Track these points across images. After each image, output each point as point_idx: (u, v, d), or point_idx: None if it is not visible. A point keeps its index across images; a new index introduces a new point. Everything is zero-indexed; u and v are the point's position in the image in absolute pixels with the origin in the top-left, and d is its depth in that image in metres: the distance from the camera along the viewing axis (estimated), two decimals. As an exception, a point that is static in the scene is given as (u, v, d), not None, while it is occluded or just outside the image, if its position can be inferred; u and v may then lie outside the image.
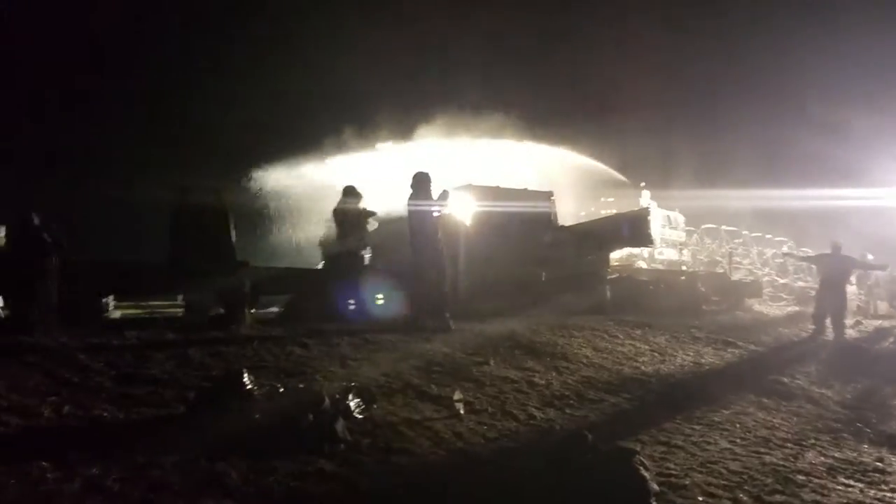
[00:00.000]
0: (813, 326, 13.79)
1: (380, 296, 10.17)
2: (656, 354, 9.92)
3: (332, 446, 4.67)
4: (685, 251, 25.41)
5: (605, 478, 4.48)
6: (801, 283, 22.67)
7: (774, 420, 7.22)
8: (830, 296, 13.58)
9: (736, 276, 20.76)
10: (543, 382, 7.33)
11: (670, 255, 24.83)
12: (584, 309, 12.24)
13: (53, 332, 6.23)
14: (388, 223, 11.56)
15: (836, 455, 6.21)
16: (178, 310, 9.87)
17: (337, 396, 5.52)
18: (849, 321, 14.55)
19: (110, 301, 9.68)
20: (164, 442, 4.27)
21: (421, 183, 9.28)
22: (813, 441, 6.58)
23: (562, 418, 6.28)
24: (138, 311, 10.03)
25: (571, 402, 6.87)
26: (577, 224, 17.09)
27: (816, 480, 5.37)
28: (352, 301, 9.83)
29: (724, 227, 23.80)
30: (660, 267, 22.65)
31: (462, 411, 5.90)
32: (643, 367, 8.93)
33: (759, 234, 23.97)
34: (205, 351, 6.50)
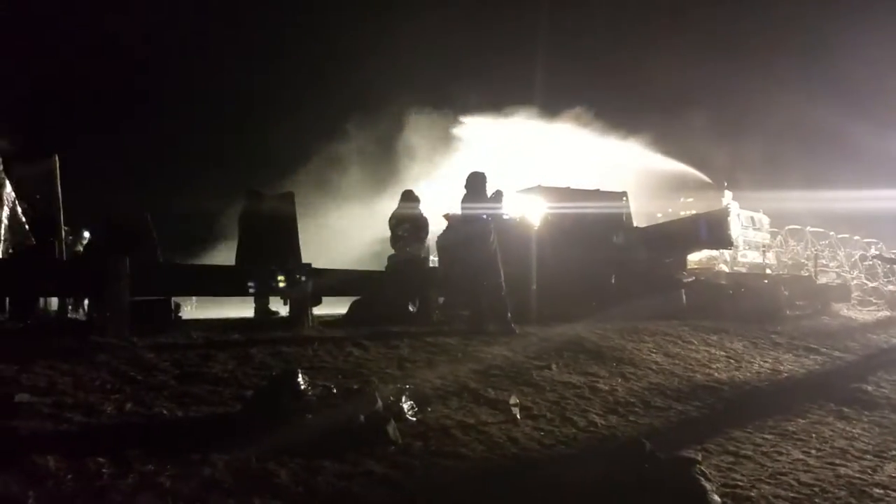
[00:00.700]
0: None
1: (440, 299, 10.18)
2: (732, 361, 9.55)
3: (383, 448, 4.66)
4: (769, 253, 24.48)
5: (662, 487, 4.31)
6: (891, 287, 21.45)
7: (854, 430, 6.81)
8: None
9: (822, 280, 19.80)
10: (607, 388, 7.14)
11: (753, 257, 23.98)
12: (658, 313, 11.91)
13: (124, 333, 6.47)
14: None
15: (921, 469, 5.80)
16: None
17: (391, 398, 5.53)
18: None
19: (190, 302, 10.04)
20: (218, 440, 4.33)
21: (475, 184, 9.16)
22: (895, 453, 6.16)
23: (624, 426, 6.09)
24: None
25: (636, 409, 6.67)
26: (651, 225, 16.68)
27: (895, 494, 5.02)
28: (413, 304, 9.86)
29: (809, 228, 22.75)
30: (742, 270, 21.90)
31: (518, 416, 5.79)
32: (716, 374, 8.60)
33: (847, 236, 22.80)
34: (266, 351, 6.63)
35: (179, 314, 8.74)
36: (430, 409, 5.57)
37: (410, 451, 4.72)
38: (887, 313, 18.16)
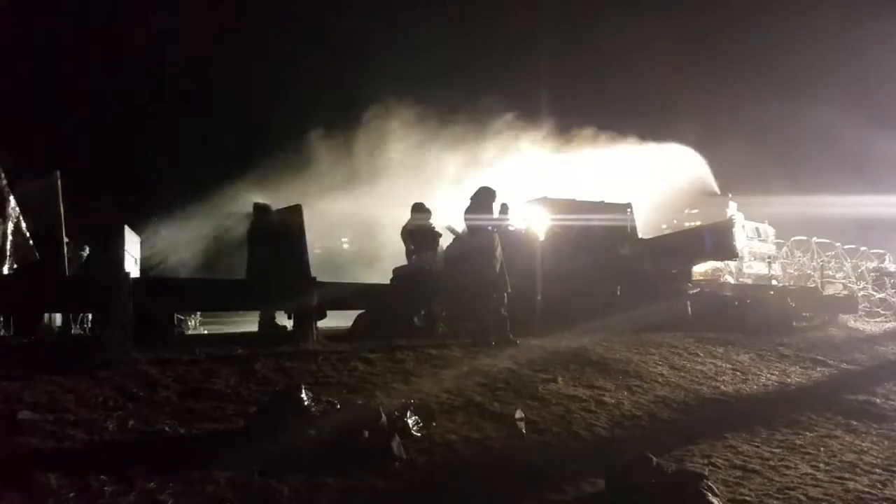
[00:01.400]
0: None
1: (444, 313, 10.14)
2: (738, 373, 9.48)
3: (387, 464, 4.62)
4: (775, 264, 24.40)
5: (669, 502, 4.26)
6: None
7: (863, 444, 6.74)
8: None
9: (829, 291, 19.70)
10: (613, 401, 7.09)
11: (759, 268, 23.90)
12: (663, 325, 11.85)
13: (126, 348, 6.45)
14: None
15: (932, 484, 5.73)
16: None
17: (395, 413, 5.49)
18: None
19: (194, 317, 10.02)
20: (220, 457, 4.31)
21: (482, 197, 9.14)
22: (905, 468, 6.09)
23: (630, 439, 6.03)
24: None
25: (642, 422, 6.62)
26: (656, 237, 16.63)
27: (906, 511, 4.96)
28: (418, 317, 9.83)
29: (815, 238, 22.67)
30: (747, 281, 21.82)
31: (524, 430, 5.75)
32: (723, 387, 8.54)
33: (854, 247, 22.71)
34: (270, 366, 6.60)
35: (183, 329, 8.72)
36: (435, 424, 5.52)
37: (415, 467, 4.69)
38: (895, 325, 18.05)
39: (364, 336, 8.96)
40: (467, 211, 9.16)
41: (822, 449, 6.37)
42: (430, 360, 7.72)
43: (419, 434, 5.29)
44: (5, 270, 7.48)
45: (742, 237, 21.42)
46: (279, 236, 9.77)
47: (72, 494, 3.65)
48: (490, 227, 9.05)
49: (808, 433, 6.83)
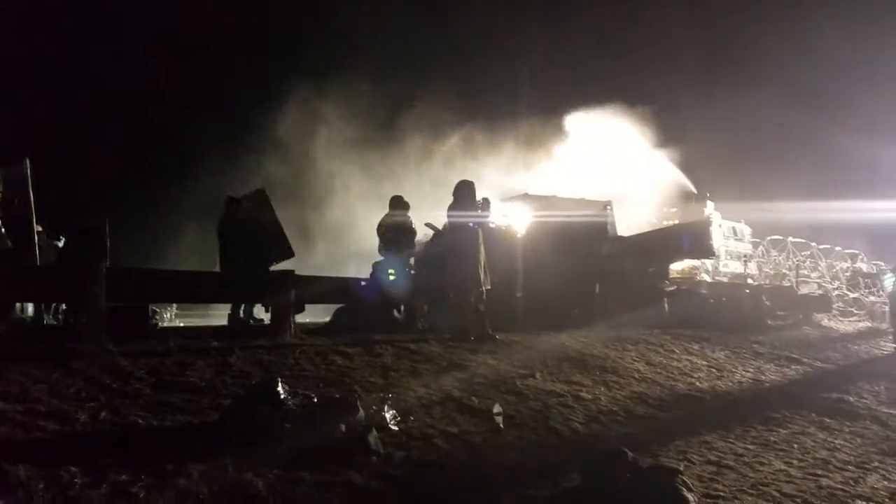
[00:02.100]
0: (892, 344, 13.15)
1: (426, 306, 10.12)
2: (713, 370, 9.56)
3: (364, 458, 4.59)
4: (751, 264, 24.64)
5: (644, 497, 4.28)
6: (872, 298, 21.64)
7: (836, 441, 6.83)
8: None
9: (803, 290, 19.94)
10: (591, 397, 7.11)
11: (735, 267, 24.13)
12: (641, 322, 11.93)
13: (100, 339, 6.35)
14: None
15: (902, 480, 5.81)
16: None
17: (373, 408, 5.46)
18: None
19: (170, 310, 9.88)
20: (194, 450, 4.25)
21: (463, 192, 9.09)
22: (877, 464, 6.17)
23: (607, 435, 6.06)
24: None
25: (619, 417, 6.64)
26: (635, 235, 16.73)
27: (878, 507, 5.02)
28: (398, 312, 9.79)
29: (791, 238, 22.93)
30: (723, 280, 22.01)
31: (502, 425, 5.75)
32: (698, 384, 8.61)
33: (829, 247, 23.00)
34: (246, 359, 6.53)
35: (157, 321, 8.61)
36: (413, 419, 5.50)
37: (392, 461, 4.66)
38: (868, 324, 18.32)
39: (342, 330, 8.90)
40: (451, 207, 9.11)
41: (795, 445, 6.44)
42: (408, 354, 7.69)
43: (397, 428, 5.26)
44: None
45: (719, 236, 21.63)
46: (253, 228, 9.67)
47: (41, 486, 3.58)
48: (472, 224, 9.01)
49: (781, 430, 6.90)
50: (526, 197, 16.18)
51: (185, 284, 8.35)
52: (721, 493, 4.88)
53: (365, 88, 29.66)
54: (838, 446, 6.67)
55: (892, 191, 30.23)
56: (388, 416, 5.38)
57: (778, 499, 4.93)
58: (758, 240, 24.85)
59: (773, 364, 10.61)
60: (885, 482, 5.67)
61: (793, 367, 10.67)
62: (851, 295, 21.40)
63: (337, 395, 5.33)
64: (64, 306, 9.35)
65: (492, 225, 12.14)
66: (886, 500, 5.21)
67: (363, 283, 10.13)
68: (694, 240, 15.64)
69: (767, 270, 23.82)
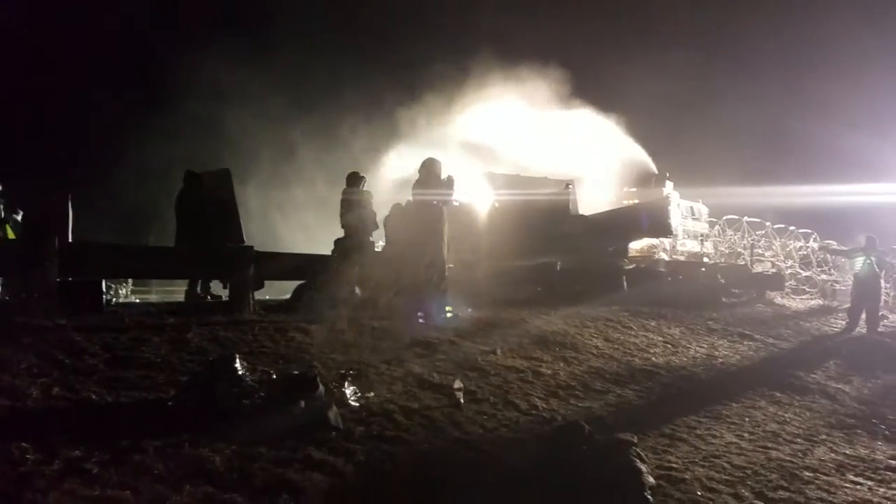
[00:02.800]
0: (845, 321, 13.55)
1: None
2: (669, 346, 9.75)
3: (323, 434, 4.59)
4: (707, 242, 25.04)
5: (599, 468, 4.36)
6: (824, 277, 22.20)
7: (786, 415, 7.04)
8: (866, 290, 13.31)
9: (757, 269, 20.35)
10: (550, 372, 7.20)
11: (692, 246, 24.50)
12: (600, 300, 12.07)
13: (52, 314, 6.20)
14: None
15: (848, 452, 6.03)
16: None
17: (333, 384, 5.46)
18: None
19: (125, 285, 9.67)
20: (150, 426, 4.20)
21: (429, 170, 9.03)
22: (824, 437, 6.39)
23: (565, 409, 6.15)
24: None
25: (577, 392, 6.75)
26: (595, 214, 16.85)
27: (824, 477, 5.20)
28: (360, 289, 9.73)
29: (746, 218, 23.35)
30: (681, 258, 22.33)
31: (462, 400, 5.79)
32: (654, 359, 8.77)
33: (783, 226, 23.45)
34: (204, 336, 6.45)
35: (112, 297, 8.44)
36: (373, 394, 5.52)
37: (352, 437, 4.67)
38: (820, 302, 18.79)
39: (303, 307, 8.83)
40: (415, 185, 9.04)
41: (746, 419, 6.62)
42: (370, 331, 7.67)
43: (357, 404, 5.27)
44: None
45: (677, 216, 21.90)
46: (210, 204, 9.51)
47: (-9, 463, 3.51)
48: (436, 202, 8.96)
49: (733, 404, 7.08)
50: (489, 175, 16.17)
51: (143, 259, 8.20)
52: (674, 465, 5.00)
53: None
54: (788, 420, 6.87)
55: (842, 175, 31.10)
56: (348, 392, 5.39)
57: (729, 470, 5.07)
58: (714, 219, 25.22)
59: (726, 340, 10.86)
60: (832, 454, 5.87)
61: (746, 343, 10.93)
62: (804, 273, 21.90)
63: (296, 372, 5.30)
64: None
65: (455, 203, 12.14)
66: (833, 471, 5.40)
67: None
68: (653, 219, 15.82)
69: (723, 249, 24.20)
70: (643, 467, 4.38)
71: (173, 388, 4.92)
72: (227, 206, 9.50)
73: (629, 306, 12.14)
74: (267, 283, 9.77)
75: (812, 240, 23.55)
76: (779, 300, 17.57)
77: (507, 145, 25.58)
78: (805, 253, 22.93)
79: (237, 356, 5.04)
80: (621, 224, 16.02)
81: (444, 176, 9.22)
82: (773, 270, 20.75)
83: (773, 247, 23.04)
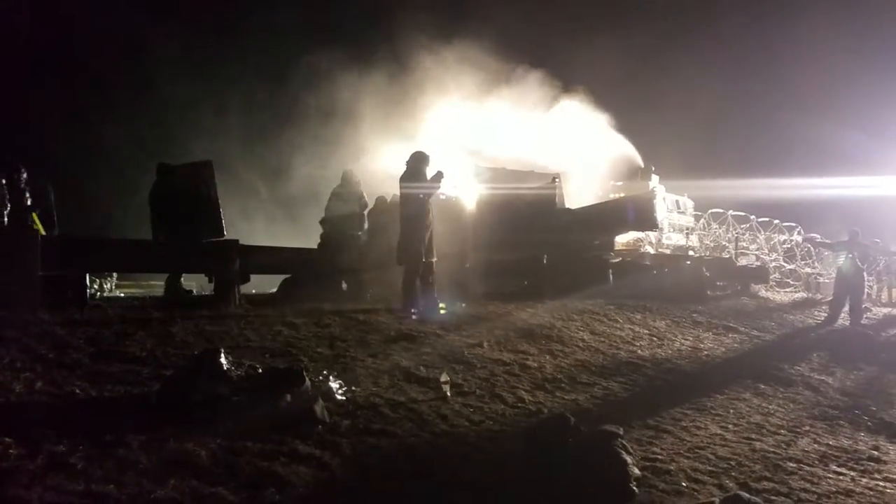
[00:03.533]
0: (827, 313, 13.67)
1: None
2: (654, 339, 9.79)
3: (310, 427, 4.58)
4: (692, 236, 25.19)
5: (584, 460, 4.39)
6: (808, 270, 22.39)
7: (770, 406, 7.10)
8: (849, 284, 13.43)
9: (742, 262, 20.50)
10: (536, 365, 7.22)
11: (678, 239, 24.65)
12: (586, 293, 12.11)
13: (34, 308, 6.14)
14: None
15: (831, 443, 6.10)
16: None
17: (319, 378, 5.45)
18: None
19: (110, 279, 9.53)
20: (134, 421, 4.18)
21: (417, 163, 8.99)
22: (808, 428, 6.46)
23: (551, 401, 6.18)
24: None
25: (563, 385, 6.77)
26: (582, 207, 16.88)
27: (807, 468, 5.25)
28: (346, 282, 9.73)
29: (731, 211, 23.49)
30: (666, 252, 22.45)
31: (449, 393, 5.80)
32: (639, 352, 8.81)
33: (767, 219, 23.63)
34: (188, 330, 6.41)
35: (95, 291, 8.37)
36: (360, 388, 5.51)
37: (338, 430, 4.67)
38: (804, 295, 18.97)
39: (289, 301, 8.80)
40: (403, 177, 9.00)
41: (731, 411, 6.67)
42: (357, 325, 7.66)
43: (343, 398, 5.26)
44: None
45: (663, 209, 22.00)
46: (188, 196, 9.42)
47: (-28, 459, 3.48)
48: (422, 195, 8.93)
49: (718, 396, 7.14)
50: (476, 169, 16.15)
51: (127, 253, 8.13)
52: (659, 456, 5.04)
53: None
54: (772, 411, 6.93)
55: (826, 168, 31.43)
56: (334, 385, 5.38)
57: (713, 461, 5.11)
58: (700, 213, 25.37)
59: (711, 333, 10.93)
60: (816, 445, 5.93)
61: (730, 335, 11.01)
62: (788, 266, 22.08)
63: (282, 366, 5.28)
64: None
65: (442, 196, 12.13)
66: (816, 461, 5.46)
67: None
68: (639, 212, 15.86)
69: (708, 243, 24.34)
70: (629, 459, 4.41)
71: (158, 382, 4.89)
72: (206, 198, 9.42)
73: (615, 299, 12.18)
74: (253, 276, 9.72)
75: (796, 233, 23.73)
76: (763, 293, 17.71)
77: (493, 139, 25.57)
78: (789, 246, 23.09)
79: (222, 350, 5.01)
80: (607, 218, 16.04)
81: (432, 169, 9.20)
82: (758, 263, 20.91)
83: (758, 240, 23.19)
